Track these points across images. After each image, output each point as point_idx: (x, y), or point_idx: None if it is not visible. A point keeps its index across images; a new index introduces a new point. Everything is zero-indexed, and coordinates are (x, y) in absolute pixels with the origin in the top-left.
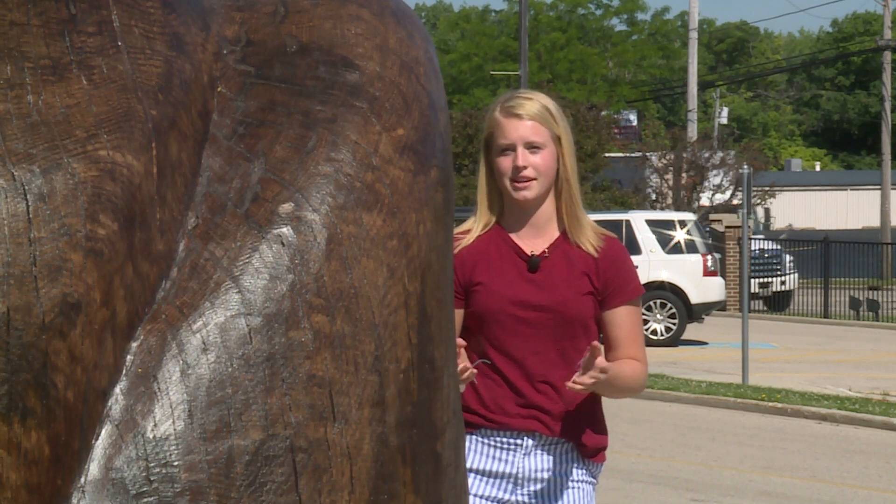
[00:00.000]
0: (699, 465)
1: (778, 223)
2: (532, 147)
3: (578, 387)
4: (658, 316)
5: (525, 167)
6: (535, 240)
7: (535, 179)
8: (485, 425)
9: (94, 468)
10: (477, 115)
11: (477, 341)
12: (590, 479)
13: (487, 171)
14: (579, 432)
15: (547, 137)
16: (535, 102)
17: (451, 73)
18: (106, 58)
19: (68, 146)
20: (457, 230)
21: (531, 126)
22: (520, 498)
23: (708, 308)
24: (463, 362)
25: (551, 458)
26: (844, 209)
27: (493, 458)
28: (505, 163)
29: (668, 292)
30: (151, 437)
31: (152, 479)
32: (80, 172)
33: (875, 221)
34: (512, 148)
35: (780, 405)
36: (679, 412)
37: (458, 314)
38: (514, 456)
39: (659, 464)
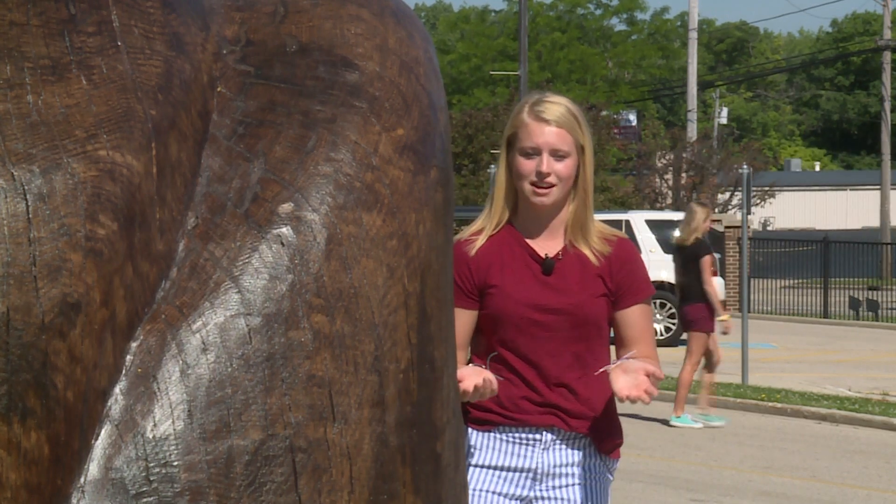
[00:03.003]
0: (699, 465)
1: (778, 223)
2: (557, 154)
3: (646, 398)
4: (658, 316)
5: (549, 174)
6: (548, 242)
7: (555, 186)
8: (503, 422)
9: (93, 468)
10: (477, 115)
11: (487, 343)
12: (606, 475)
13: (507, 169)
14: (596, 427)
15: (572, 146)
16: (563, 108)
17: (450, 73)
18: (106, 58)
19: (68, 146)
20: (468, 232)
21: (558, 133)
22: (538, 493)
23: None
24: (483, 374)
25: (570, 452)
26: (844, 209)
27: (512, 454)
28: (527, 165)
29: (668, 292)
30: (151, 437)
31: (152, 479)
32: (80, 172)
33: (875, 221)
34: (536, 152)
35: (779, 405)
36: None
37: (473, 316)
38: (532, 451)
39: (659, 464)
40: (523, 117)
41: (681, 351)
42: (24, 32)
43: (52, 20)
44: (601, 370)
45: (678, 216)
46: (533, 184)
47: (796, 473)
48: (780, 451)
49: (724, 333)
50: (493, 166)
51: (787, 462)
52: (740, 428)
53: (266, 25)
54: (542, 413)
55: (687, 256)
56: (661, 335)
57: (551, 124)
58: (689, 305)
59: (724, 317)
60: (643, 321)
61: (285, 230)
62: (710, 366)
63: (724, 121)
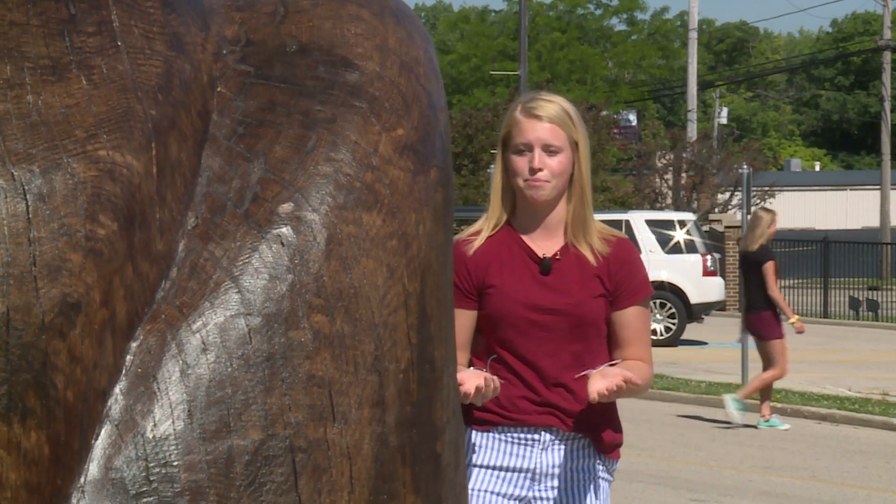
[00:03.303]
0: (699, 465)
1: (777, 223)
2: (549, 150)
3: (597, 398)
4: (658, 316)
5: (541, 169)
6: (546, 241)
7: (548, 182)
8: (501, 422)
9: (93, 468)
10: (477, 115)
11: (487, 343)
12: (606, 476)
13: (503, 169)
14: (595, 428)
15: (564, 141)
16: (555, 105)
17: (450, 73)
18: (106, 58)
19: (68, 146)
20: (467, 233)
21: (550, 128)
22: (537, 493)
23: (708, 308)
24: (484, 375)
25: (568, 452)
26: (844, 209)
27: (511, 454)
28: (520, 162)
29: (667, 292)
30: (151, 437)
31: (152, 479)
32: (80, 172)
33: (874, 221)
34: (529, 148)
35: (779, 405)
36: (679, 412)
37: (473, 317)
38: (531, 451)
39: (659, 464)
40: (516, 115)
41: (680, 351)
42: (24, 32)
43: (52, 20)
44: (580, 374)
45: (678, 216)
46: (527, 180)
47: (796, 473)
48: (780, 451)
49: (799, 333)
50: (492, 166)
51: (787, 462)
52: (740, 428)
53: (266, 25)
54: (541, 413)
55: (750, 263)
56: (661, 335)
57: (543, 120)
58: (754, 314)
59: (793, 319)
60: (639, 322)
61: (285, 230)
62: (767, 370)
63: (724, 121)
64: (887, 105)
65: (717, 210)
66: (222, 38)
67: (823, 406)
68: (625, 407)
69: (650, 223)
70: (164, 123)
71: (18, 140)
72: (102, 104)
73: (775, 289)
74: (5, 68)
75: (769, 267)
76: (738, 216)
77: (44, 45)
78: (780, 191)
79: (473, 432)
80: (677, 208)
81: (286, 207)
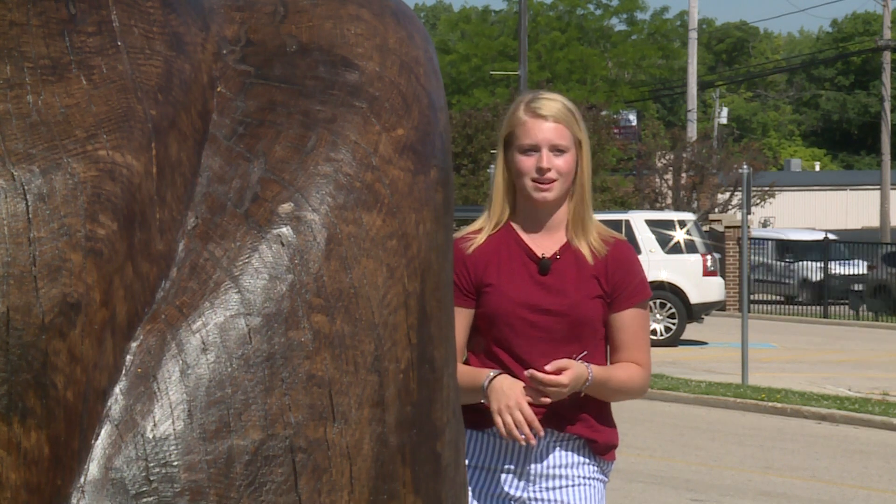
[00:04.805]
0: (699, 465)
1: (778, 223)
2: (556, 149)
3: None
4: (658, 316)
5: (549, 169)
6: (546, 241)
7: (556, 181)
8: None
9: (93, 468)
10: (477, 115)
11: (485, 342)
12: (601, 477)
13: (505, 168)
14: (590, 429)
15: (570, 141)
16: (559, 104)
17: (450, 73)
18: (106, 58)
19: (68, 146)
20: (468, 230)
21: (556, 128)
22: (532, 493)
23: (708, 308)
24: (530, 420)
25: (563, 453)
26: (844, 209)
27: (506, 454)
28: (527, 162)
29: (667, 292)
30: (151, 437)
31: (152, 479)
32: (80, 172)
33: (875, 221)
34: (535, 149)
35: (779, 405)
36: (679, 412)
37: (470, 315)
38: (525, 451)
39: (659, 464)
40: (520, 115)
41: (680, 351)
42: (24, 32)
43: (52, 20)
44: (579, 355)
45: (678, 216)
46: (534, 180)
47: (796, 473)
48: (780, 451)
49: None
50: (492, 166)
51: (787, 462)
52: (740, 428)
53: (266, 25)
54: (536, 414)
55: None
56: (661, 335)
57: (549, 120)
58: None
59: None
60: (636, 325)
61: (285, 230)
62: None
63: (724, 121)
64: (887, 105)
65: (717, 210)
66: (222, 38)
67: (823, 406)
68: (625, 407)
69: (650, 223)
70: (164, 123)
71: (18, 140)
72: (102, 104)
73: None
74: (5, 68)
75: None
76: (738, 216)
77: (44, 45)
78: (780, 191)
79: (469, 432)
80: (677, 208)
81: (286, 207)
